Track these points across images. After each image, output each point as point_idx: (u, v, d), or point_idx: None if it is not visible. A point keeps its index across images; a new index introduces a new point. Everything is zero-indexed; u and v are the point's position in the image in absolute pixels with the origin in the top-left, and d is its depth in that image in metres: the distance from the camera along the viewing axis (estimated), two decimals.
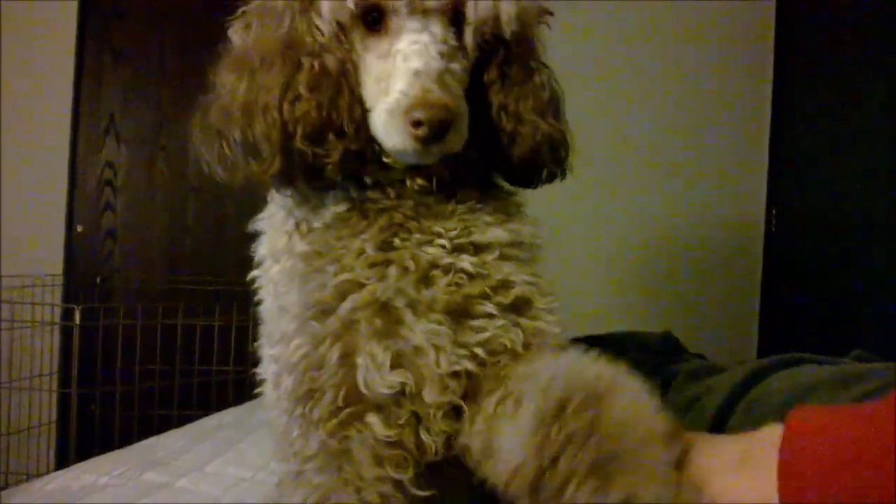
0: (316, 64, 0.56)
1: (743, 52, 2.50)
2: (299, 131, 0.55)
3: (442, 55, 0.54)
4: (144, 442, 1.30)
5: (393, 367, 0.55)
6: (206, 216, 2.49)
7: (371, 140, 0.57)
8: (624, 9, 2.47)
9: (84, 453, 1.90)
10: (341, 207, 0.59)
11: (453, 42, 0.56)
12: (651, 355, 1.18)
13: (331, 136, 0.56)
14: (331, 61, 0.57)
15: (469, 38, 0.57)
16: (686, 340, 1.47)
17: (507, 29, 0.59)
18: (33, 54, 2.39)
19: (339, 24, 0.57)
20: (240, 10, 0.61)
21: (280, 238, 0.62)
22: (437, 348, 0.55)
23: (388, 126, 0.54)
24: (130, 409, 2.18)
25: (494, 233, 0.59)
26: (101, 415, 2.17)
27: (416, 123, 0.51)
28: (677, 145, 2.49)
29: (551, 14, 0.65)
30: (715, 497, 0.43)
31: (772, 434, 0.43)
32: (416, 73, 0.53)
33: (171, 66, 2.49)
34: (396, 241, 0.58)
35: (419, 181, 0.59)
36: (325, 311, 0.56)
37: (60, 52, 2.41)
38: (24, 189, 2.37)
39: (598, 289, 2.40)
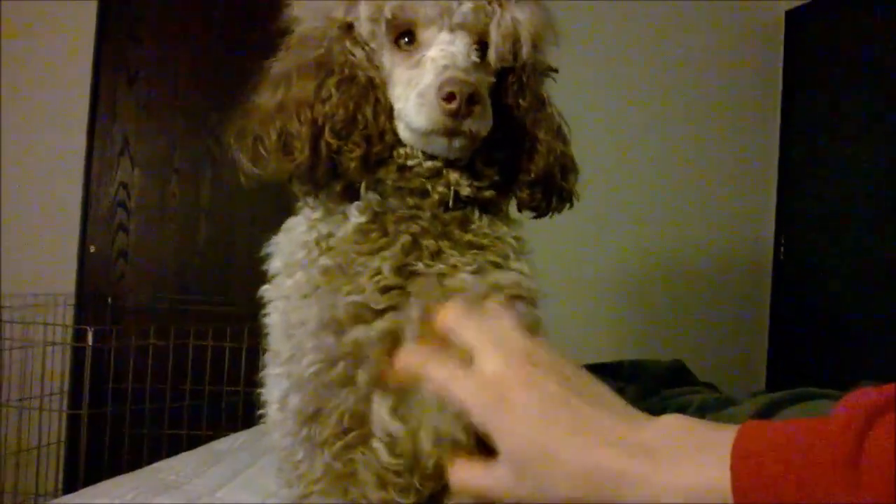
0: (347, 70, 0.62)
1: (752, 80, 2.53)
2: (328, 127, 0.60)
3: (465, 61, 0.59)
4: (156, 464, 1.30)
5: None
6: (218, 239, 2.52)
7: (395, 145, 0.61)
8: (630, 44, 2.50)
9: (93, 473, 1.91)
10: (363, 218, 0.61)
11: (476, 59, 0.61)
12: (660, 384, 1.19)
13: (356, 135, 0.60)
14: (360, 73, 0.62)
15: (493, 55, 0.62)
16: (695, 368, 1.48)
17: (524, 50, 0.63)
18: (50, 77, 2.43)
19: (371, 47, 0.63)
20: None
21: (298, 251, 0.63)
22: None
23: (419, 106, 0.58)
24: (140, 429, 2.19)
25: (497, 276, 0.60)
26: (111, 435, 2.18)
27: (449, 97, 0.55)
28: (686, 173, 2.50)
29: (556, 71, 0.69)
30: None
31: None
32: (445, 67, 0.58)
33: (185, 90, 2.53)
34: (419, 267, 0.59)
35: (440, 188, 0.61)
36: (338, 332, 0.57)
37: (77, 74, 2.45)
38: (38, 209, 2.40)
39: (607, 316, 2.41)
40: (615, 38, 2.47)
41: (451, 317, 0.55)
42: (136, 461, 1.59)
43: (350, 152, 0.59)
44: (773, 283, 2.47)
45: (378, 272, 0.58)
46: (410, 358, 0.55)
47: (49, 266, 2.40)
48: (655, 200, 2.48)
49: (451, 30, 0.60)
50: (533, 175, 0.64)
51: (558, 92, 0.69)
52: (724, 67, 2.50)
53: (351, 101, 0.60)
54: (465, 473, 0.54)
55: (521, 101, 0.65)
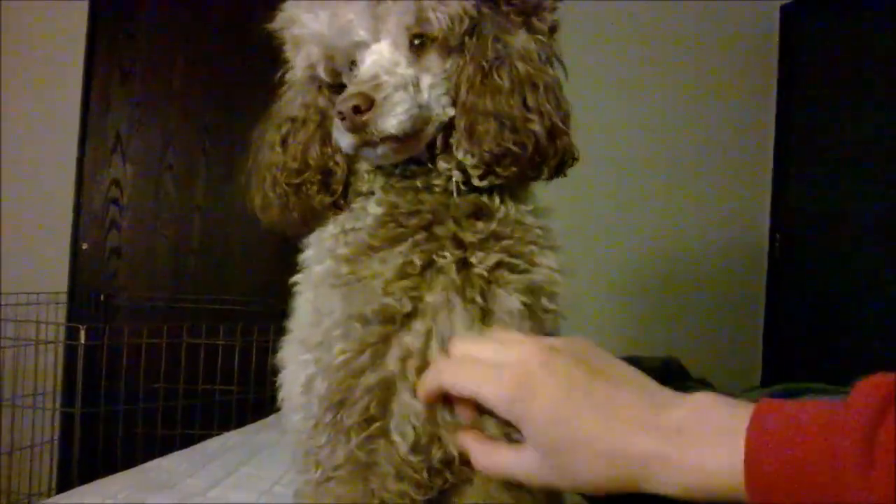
0: (301, 116, 0.65)
1: (747, 76, 2.53)
2: (283, 177, 0.64)
3: (382, 66, 0.58)
4: (149, 463, 1.29)
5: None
6: (211, 236, 2.51)
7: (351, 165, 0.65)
8: (624, 40, 2.49)
9: (86, 472, 1.90)
10: (380, 210, 0.62)
11: (399, 56, 0.59)
12: (655, 380, 1.19)
13: (309, 174, 0.64)
14: (311, 115, 0.65)
15: (402, 45, 0.60)
16: (690, 365, 1.48)
17: (429, 30, 0.59)
18: (42, 72, 2.42)
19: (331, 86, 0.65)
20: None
21: (325, 241, 0.65)
22: None
23: (335, 130, 0.60)
24: (133, 427, 2.18)
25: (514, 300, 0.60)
26: (104, 433, 2.17)
27: (340, 115, 0.56)
28: (681, 169, 2.50)
29: (552, 18, 0.63)
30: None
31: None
32: (353, 85, 0.58)
33: (178, 86, 2.52)
34: (442, 261, 0.59)
35: (436, 181, 0.61)
36: (367, 322, 0.58)
37: (69, 70, 2.43)
38: (30, 206, 2.39)
39: (602, 313, 2.40)
40: (609, 34, 2.46)
41: (463, 344, 0.56)
42: (129, 460, 1.58)
43: (311, 187, 0.64)
44: (768, 279, 2.47)
45: (399, 269, 0.58)
46: (432, 375, 0.56)
47: (41, 264, 2.39)
48: (650, 197, 2.48)
49: (376, 41, 0.59)
50: (487, 155, 0.58)
51: None
52: (718, 63, 2.50)
53: (300, 145, 0.64)
54: (491, 458, 0.55)
55: (467, 74, 0.59)
